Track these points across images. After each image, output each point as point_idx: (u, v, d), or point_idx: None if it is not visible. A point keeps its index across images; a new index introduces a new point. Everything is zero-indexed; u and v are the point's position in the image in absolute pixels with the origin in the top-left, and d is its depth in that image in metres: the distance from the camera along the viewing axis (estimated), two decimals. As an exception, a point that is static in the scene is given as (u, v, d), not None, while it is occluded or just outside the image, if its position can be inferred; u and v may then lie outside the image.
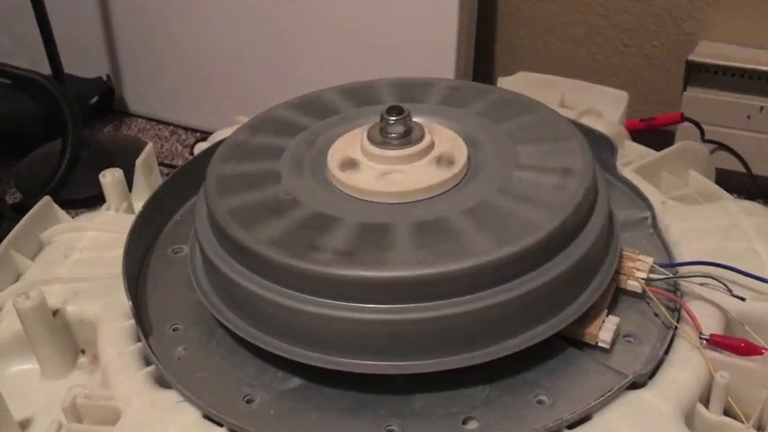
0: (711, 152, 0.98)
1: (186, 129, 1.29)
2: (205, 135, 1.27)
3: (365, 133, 0.53)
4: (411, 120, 0.53)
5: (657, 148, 0.74)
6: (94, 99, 1.30)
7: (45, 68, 1.16)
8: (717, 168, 0.98)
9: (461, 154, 0.54)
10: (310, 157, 0.55)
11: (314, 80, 1.13)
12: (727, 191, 1.03)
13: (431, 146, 0.53)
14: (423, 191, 0.51)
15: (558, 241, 0.47)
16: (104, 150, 1.18)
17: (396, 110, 0.52)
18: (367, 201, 0.51)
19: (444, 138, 0.55)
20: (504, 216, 0.48)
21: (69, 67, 1.22)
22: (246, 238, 0.47)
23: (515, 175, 0.52)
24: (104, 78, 1.30)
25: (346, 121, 0.58)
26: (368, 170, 0.52)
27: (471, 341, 0.46)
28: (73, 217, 1.08)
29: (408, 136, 0.53)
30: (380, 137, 0.53)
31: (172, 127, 1.30)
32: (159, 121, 1.32)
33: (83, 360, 0.55)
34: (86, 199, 1.08)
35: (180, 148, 1.26)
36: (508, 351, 0.46)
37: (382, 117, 0.52)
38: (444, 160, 0.53)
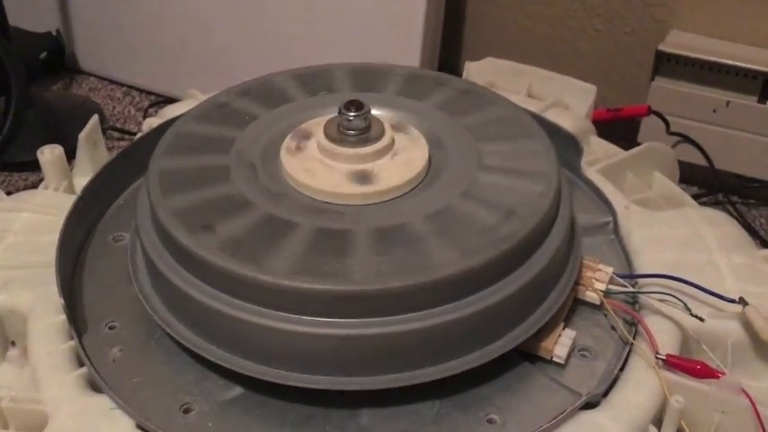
0: (675, 145, 0.97)
1: (141, 90, 1.24)
2: (160, 98, 1.22)
3: (321, 128, 0.50)
4: (370, 115, 0.50)
5: (621, 136, 0.72)
6: (43, 55, 1.23)
7: (-10, 21, 1.09)
8: (679, 161, 0.97)
9: (423, 152, 0.51)
10: (261, 151, 0.51)
11: (273, 49, 1.10)
12: (689, 184, 1.04)
13: (391, 144, 0.51)
14: (383, 192, 0.48)
15: (524, 251, 0.45)
16: (52, 110, 1.12)
17: (355, 104, 0.49)
18: (324, 202, 0.48)
19: (405, 134, 0.52)
20: (468, 223, 0.46)
21: (17, 21, 1.16)
22: (193, 243, 0.43)
23: (479, 178, 0.49)
24: (54, 33, 1.23)
25: (299, 112, 0.54)
26: (324, 169, 0.49)
27: (426, 357, 0.44)
28: (13, 182, 1.03)
29: (368, 133, 0.50)
30: (338, 133, 0.50)
31: (125, 88, 1.25)
32: (112, 81, 1.26)
33: (13, 353, 0.52)
34: (31, 162, 1.03)
35: (133, 110, 1.20)
36: (465, 367, 0.44)
37: (340, 112, 0.49)
38: (405, 159, 0.51)
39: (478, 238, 0.44)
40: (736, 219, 0.96)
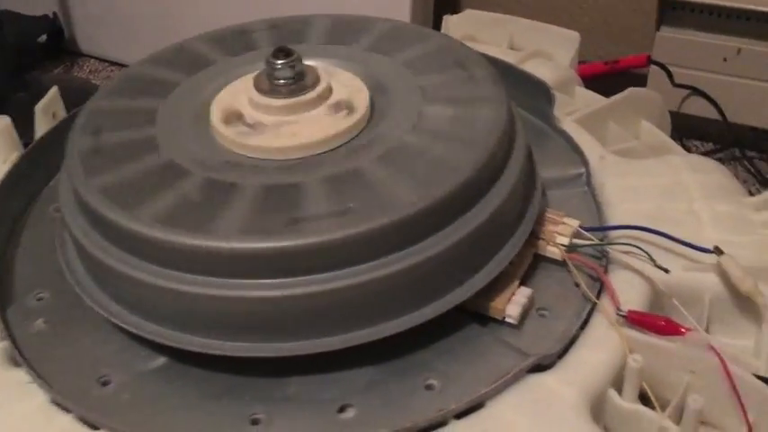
0: (684, 98, 0.91)
1: (140, 70, 1.22)
2: (159, 77, 1.21)
3: (251, 83, 0.47)
4: (301, 62, 0.46)
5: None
6: (43, 38, 1.23)
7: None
8: (690, 115, 0.91)
9: (363, 94, 0.48)
10: (189, 117, 0.48)
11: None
12: (703, 140, 0.98)
13: (328, 89, 0.47)
14: (328, 140, 0.45)
15: (483, 181, 0.42)
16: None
17: (283, 52, 0.46)
18: (267, 159, 0.45)
19: (341, 79, 0.49)
20: (423, 158, 0.43)
21: (13, 4, 1.15)
22: (125, 218, 0.40)
23: (426, 111, 0.46)
24: (50, 16, 1.22)
25: (223, 73, 0.51)
26: (261, 125, 0.46)
27: (364, 316, 0.40)
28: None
29: (302, 81, 0.47)
30: (269, 85, 0.46)
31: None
32: (112, 63, 1.25)
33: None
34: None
35: (131, 91, 1.19)
36: (406, 326, 0.40)
37: (268, 62, 0.46)
38: (346, 104, 0.47)
39: (436, 172, 0.41)
40: (754, 175, 0.90)
